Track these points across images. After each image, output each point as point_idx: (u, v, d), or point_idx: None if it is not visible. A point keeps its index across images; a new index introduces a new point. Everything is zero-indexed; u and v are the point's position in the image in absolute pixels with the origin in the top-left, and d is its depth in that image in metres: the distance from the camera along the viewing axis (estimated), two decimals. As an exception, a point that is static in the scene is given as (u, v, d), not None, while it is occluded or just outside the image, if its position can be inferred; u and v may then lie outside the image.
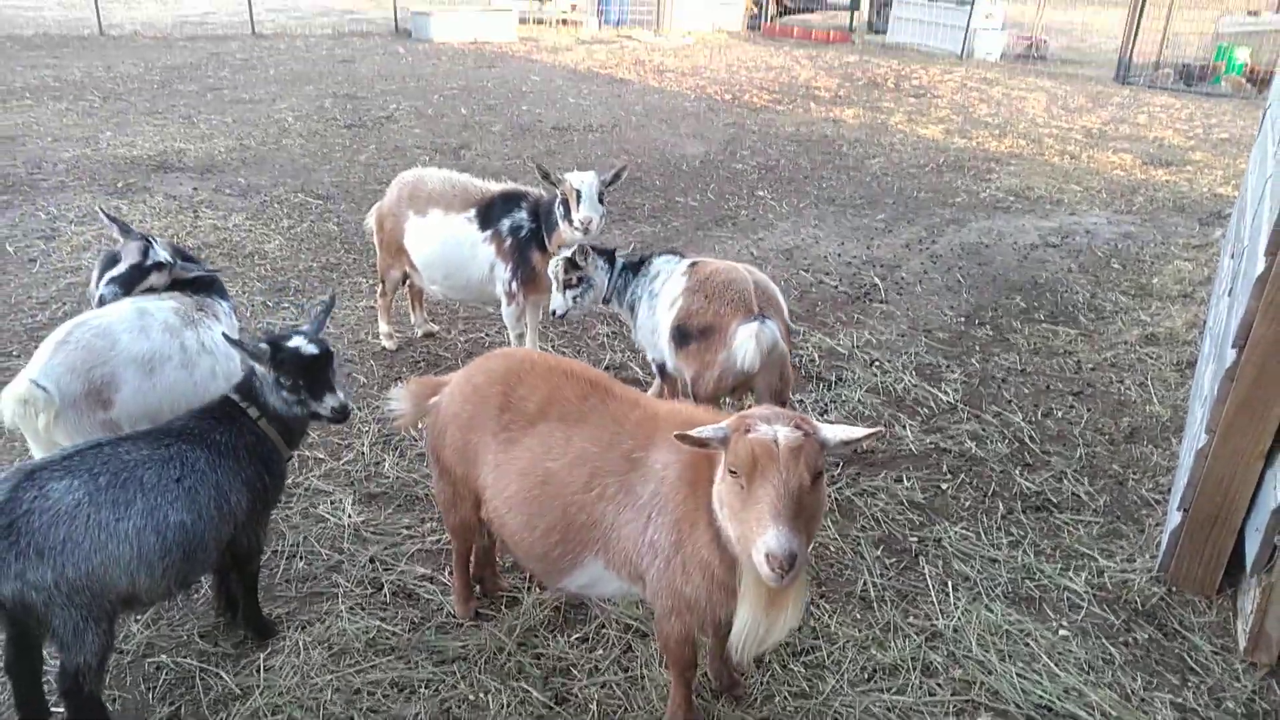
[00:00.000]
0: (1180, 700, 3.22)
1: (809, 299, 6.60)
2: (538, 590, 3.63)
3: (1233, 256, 4.88)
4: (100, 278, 3.77)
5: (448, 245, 5.11)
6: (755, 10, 21.92)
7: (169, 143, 10.15)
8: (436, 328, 5.97)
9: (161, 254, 3.84)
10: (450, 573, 3.68)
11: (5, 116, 11.12)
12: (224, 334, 3.02)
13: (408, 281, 5.57)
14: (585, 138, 11.28)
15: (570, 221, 4.80)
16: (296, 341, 3.14)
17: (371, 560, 3.81)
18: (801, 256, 7.47)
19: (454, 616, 3.50)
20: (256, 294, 6.35)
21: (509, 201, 5.14)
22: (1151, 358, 5.79)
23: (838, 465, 4.54)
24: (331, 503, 4.17)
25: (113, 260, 3.81)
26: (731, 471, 2.32)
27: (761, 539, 2.22)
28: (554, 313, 4.59)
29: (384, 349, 5.69)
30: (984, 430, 4.90)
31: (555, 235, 4.91)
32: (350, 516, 4.07)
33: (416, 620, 3.49)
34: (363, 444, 4.65)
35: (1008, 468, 4.58)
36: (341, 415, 3.21)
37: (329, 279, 6.68)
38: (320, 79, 14.33)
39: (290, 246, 7.24)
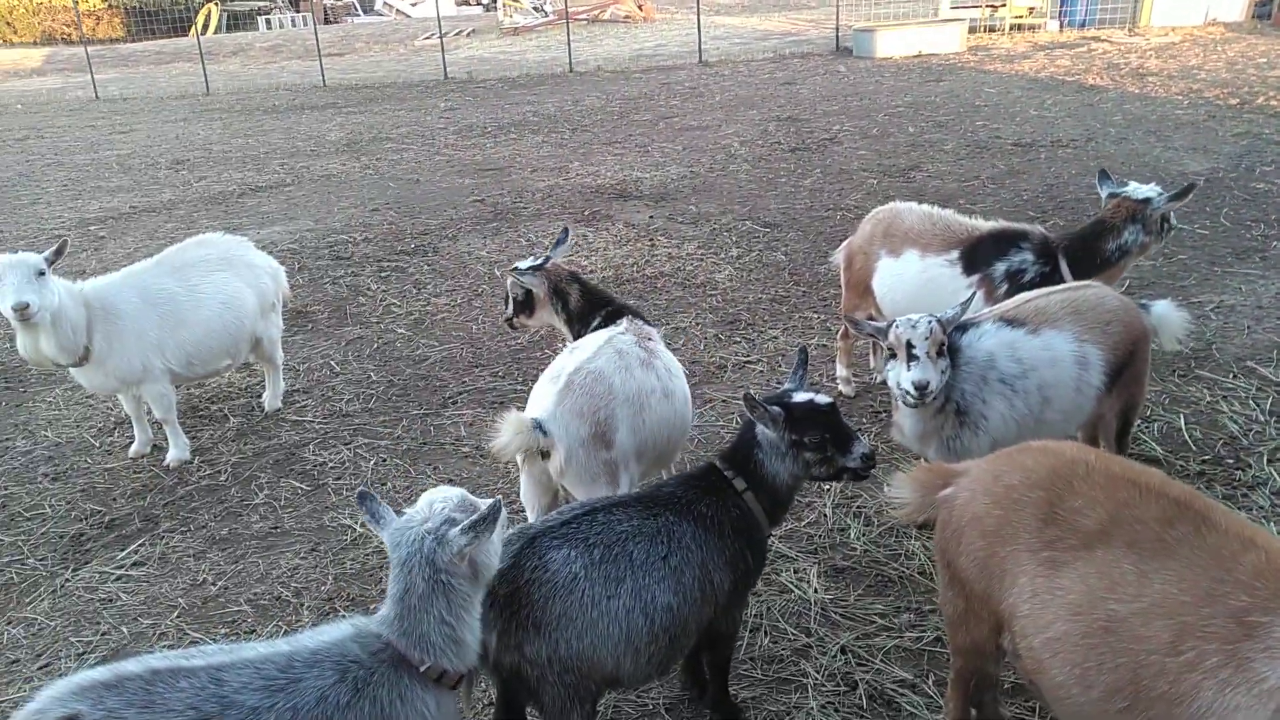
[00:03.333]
0: None
1: (1397, 370, 5.01)
2: (1052, 732, 2.93)
3: None
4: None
5: (923, 290, 4.53)
6: (1263, -4, 18.39)
7: (627, 171, 10.75)
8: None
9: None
10: (937, 684, 3.13)
11: (496, 149, 12.62)
12: (746, 396, 2.80)
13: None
14: (1054, 154, 10.02)
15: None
16: (804, 396, 2.85)
17: (843, 650, 3.36)
18: (1373, 308, 5.77)
19: (945, 745, 2.92)
20: (709, 325, 6.28)
21: (1002, 241, 4.44)
22: None
23: None
24: (795, 572, 3.79)
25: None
26: None
27: None
28: (923, 388, 3.27)
29: (840, 394, 5.26)
30: None
31: (1127, 260, 4.35)
32: (817, 591, 3.67)
33: (900, 741, 2.97)
34: (825, 505, 4.24)
35: None
36: (871, 462, 2.86)
37: (779, 312, 6.44)
38: (763, 103, 14.49)
39: (739, 277, 7.14)
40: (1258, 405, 4.73)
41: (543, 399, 3.36)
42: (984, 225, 4.57)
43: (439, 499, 2.37)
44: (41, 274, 4.27)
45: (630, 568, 2.57)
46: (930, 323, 3.32)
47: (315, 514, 4.43)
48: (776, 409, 2.79)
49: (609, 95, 16.41)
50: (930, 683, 3.19)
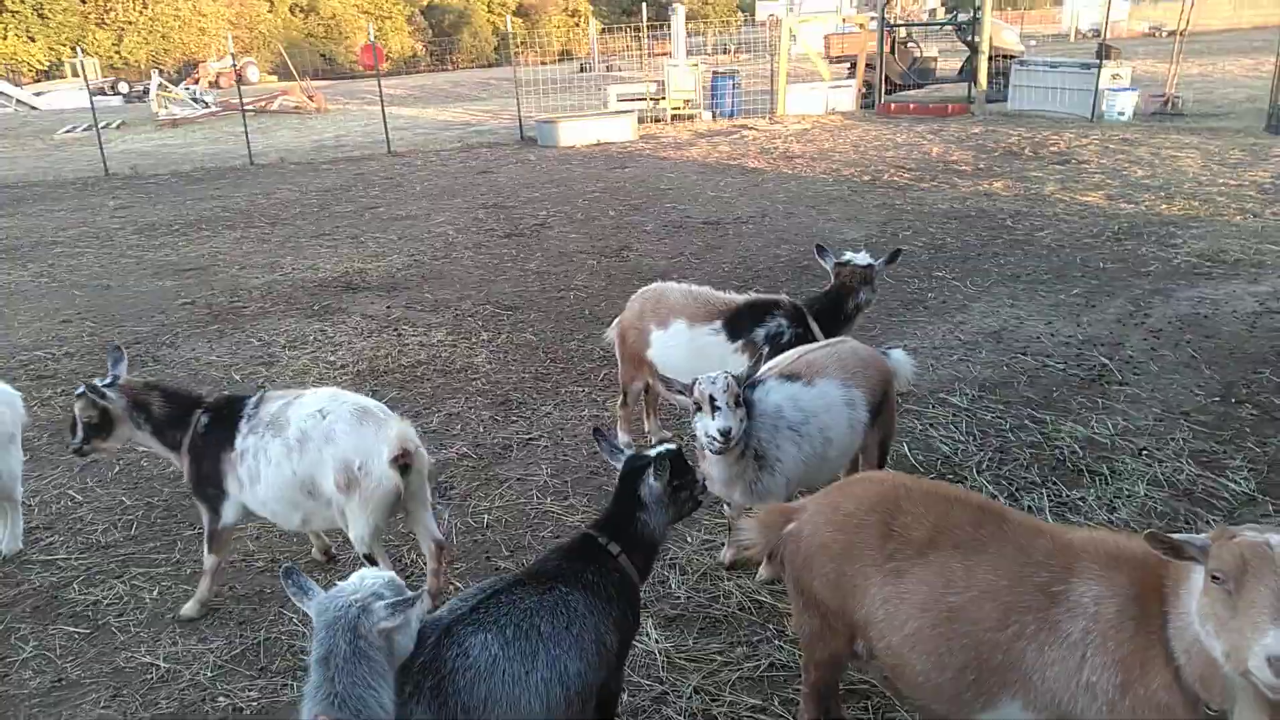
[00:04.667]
0: None
1: (1040, 384, 6.34)
2: (889, 723, 3.44)
3: None
4: None
5: (694, 357, 5.08)
6: (865, 91, 22.02)
7: (347, 263, 10.59)
8: (670, 434, 5.92)
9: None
10: (783, 703, 3.53)
11: (191, 247, 11.85)
12: (658, 455, 3.16)
13: (647, 390, 5.58)
14: (739, 229, 11.34)
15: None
16: (663, 447, 3.23)
17: (696, 691, 3.67)
18: (1012, 339, 7.23)
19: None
20: (482, 408, 6.43)
21: (758, 310, 5.12)
22: None
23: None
24: (634, 628, 4.07)
25: None
26: (1215, 578, 2.20)
27: (1260, 643, 2.08)
28: (726, 433, 3.70)
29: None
30: (1299, 522, 4.54)
31: (859, 316, 5.35)
32: (657, 642, 3.95)
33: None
34: (640, 563, 4.56)
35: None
36: (704, 486, 3.46)
37: (544, 389, 6.74)
38: (465, 191, 14.88)
39: (497, 359, 7.36)
40: (956, 428, 5.78)
41: (372, 427, 3.86)
42: (739, 298, 5.23)
43: (370, 575, 2.53)
44: None
45: (541, 642, 2.72)
46: (727, 378, 3.80)
47: (105, 657, 3.98)
48: (663, 459, 3.12)
49: (302, 187, 15.96)
50: (777, 703, 3.58)
